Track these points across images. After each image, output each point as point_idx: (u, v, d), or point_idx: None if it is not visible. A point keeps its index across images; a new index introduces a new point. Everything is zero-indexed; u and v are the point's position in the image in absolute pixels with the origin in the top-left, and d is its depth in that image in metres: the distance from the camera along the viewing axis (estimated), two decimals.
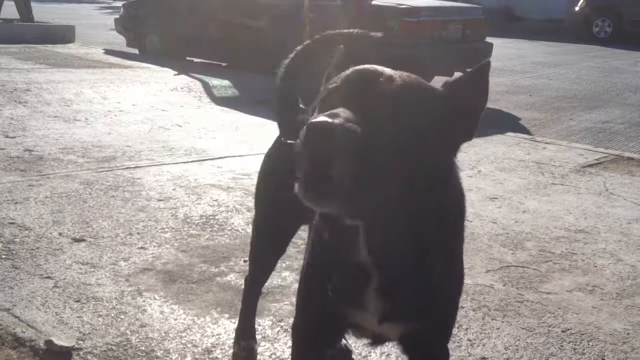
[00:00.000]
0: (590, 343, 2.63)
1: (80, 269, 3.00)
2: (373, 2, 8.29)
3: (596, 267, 3.35)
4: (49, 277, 2.89)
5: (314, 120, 1.23)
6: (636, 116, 8.03)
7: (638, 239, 3.73)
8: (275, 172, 2.08)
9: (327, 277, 1.56)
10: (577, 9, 19.25)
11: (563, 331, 2.71)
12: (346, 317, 1.61)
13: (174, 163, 4.75)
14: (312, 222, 1.63)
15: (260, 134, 5.62)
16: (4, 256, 3.07)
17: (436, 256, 1.50)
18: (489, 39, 9.13)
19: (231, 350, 2.42)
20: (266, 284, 2.57)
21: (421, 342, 1.65)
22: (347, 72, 1.43)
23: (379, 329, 1.60)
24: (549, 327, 2.73)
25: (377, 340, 1.71)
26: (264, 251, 2.30)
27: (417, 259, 1.47)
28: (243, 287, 2.48)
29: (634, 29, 17.16)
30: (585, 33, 18.58)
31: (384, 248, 1.45)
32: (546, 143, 6.12)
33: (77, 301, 2.70)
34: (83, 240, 3.30)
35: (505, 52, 13.33)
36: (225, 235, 3.49)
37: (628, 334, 2.72)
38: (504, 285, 3.09)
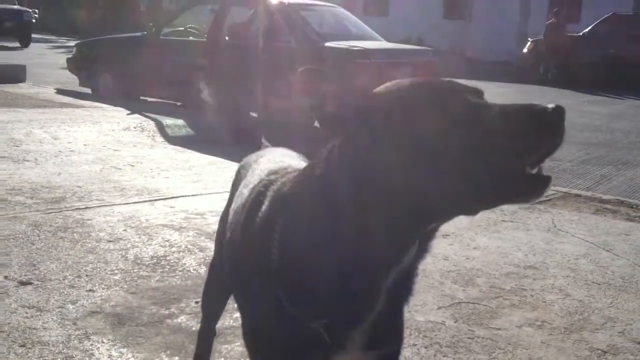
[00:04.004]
0: None
1: (26, 312, 2.92)
2: (326, 44, 8.43)
3: (545, 302, 3.41)
4: None
5: (553, 106, 1.23)
6: (583, 154, 8.26)
7: (585, 274, 3.81)
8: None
9: (316, 316, 1.37)
10: (525, 50, 19.88)
11: None
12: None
13: (125, 203, 4.69)
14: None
15: (214, 173, 5.62)
16: None
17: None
18: None
19: None
20: (217, 325, 2.54)
21: None
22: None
23: None
24: None
25: None
26: (215, 287, 2.26)
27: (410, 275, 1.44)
28: (194, 328, 2.44)
29: (580, 70, 17.74)
30: (533, 74, 19.15)
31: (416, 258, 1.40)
32: None
33: (22, 346, 2.63)
34: (30, 284, 3.22)
35: None
36: (177, 276, 3.44)
37: None
38: (455, 322, 3.11)
